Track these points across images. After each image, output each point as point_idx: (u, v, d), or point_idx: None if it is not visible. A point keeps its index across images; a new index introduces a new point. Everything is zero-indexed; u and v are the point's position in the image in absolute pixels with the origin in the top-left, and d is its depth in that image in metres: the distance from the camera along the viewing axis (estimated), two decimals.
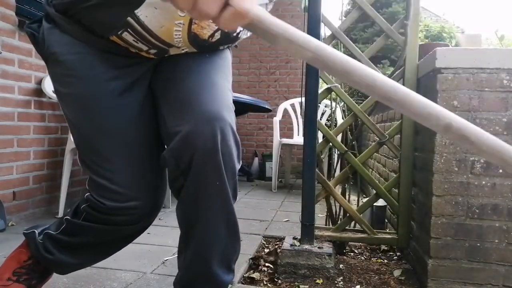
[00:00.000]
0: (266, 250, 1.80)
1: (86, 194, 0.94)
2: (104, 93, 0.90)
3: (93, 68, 0.89)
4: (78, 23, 0.87)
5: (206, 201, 0.88)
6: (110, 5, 0.80)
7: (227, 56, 1.05)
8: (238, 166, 0.90)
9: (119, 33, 0.83)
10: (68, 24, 0.88)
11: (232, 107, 0.92)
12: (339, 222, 1.71)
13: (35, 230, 1.05)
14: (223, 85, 0.94)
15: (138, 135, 0.94)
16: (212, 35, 0.87)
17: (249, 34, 0.95)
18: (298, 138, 3.80)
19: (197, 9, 0.44)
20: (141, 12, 0.78)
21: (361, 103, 1.64)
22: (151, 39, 0.84)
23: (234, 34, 0.92)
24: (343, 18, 1.79)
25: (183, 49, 0.90)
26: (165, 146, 0.93)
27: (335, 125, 2.34)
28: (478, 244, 1.31)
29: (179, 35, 0.83)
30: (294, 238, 1.59)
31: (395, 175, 1.63)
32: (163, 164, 0.90)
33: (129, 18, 0.79)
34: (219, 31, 0.87)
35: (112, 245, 1.04)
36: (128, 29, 0.82)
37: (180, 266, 0.96)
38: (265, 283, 1.44)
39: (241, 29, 0.88)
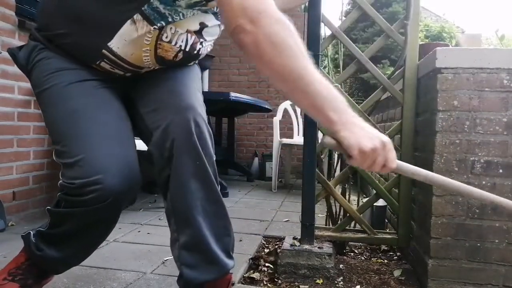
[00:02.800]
0: (266, 250, 1.80)
1: (59, 182, 0.97)
2: (83, 81, 0.99)
3: (76, 66, 0.99)
4: (63, 51, 0.99)
5: (191, 183, 0.96)
6: (86, 40, 0.94)
7: (196, 69, 1.18)
8: (214, 156, 1.01)
9: (97, 63, 0.98)
10: (54, 49, 1.00)
11: (203, 105, 1.05)
12: (339, 222, 1.71)
13: (31, 232, 1.08)
14: (193, 87, 1.07)
15: (107, 115, 0.99)
16: (176, 56, 1.00)
17: (208, 49, 1.10)
18: (298, 138, 3.79)
19: (372, 168, 0.76)
20: (113, 44, 0.94)
21: (361, 103, 1.64)
22: (124, 65, 0.98)
23: (195, 52, 1.04)
24: (343, 18, 1.79)
25: (154, 68, 1.03)
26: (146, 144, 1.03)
27: None
28: (478, 244, 1.31)
29: (148, 59, 0.98)
30: (294, 238, 1.59)
31: (395, 175, 1.63)
32: (148, 159, 0.99)
33: (103, 51, 0.95)
34: (181, 52, 1.00)
35: (94, 233, 1.03)
36: (105, 59, 0.97)
37: (178, 254, 1.00)
38: (265, 283, 1.44)
39: (201, 46, 1.03)
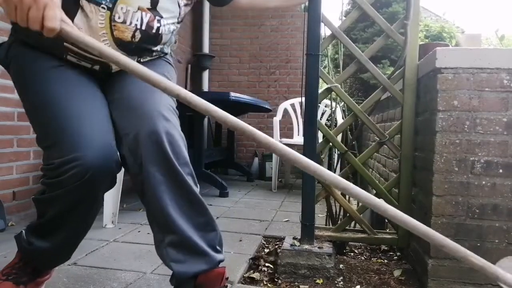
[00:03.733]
0: (266, 250, 1.80)
1: (40, 167, 0.99)
2: (58, 66, 1.02)
3: (50, 57, 1.02)
4: (36, 46, 1.02)
5: (163, 190, 0.98)
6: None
7: (165, 67, 1.19)
8: (187, 157, 1.02)
9: (64, 56, 1.00)
10: (28, 44, 1.03)
11: (172, 109, 1.06)
12: (339, 222, 1.71)
13: (23, 230, 1.10)
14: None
15: (84, 98, 1.00)
16: (133, 36, 1.01)
17: (171, 29, 1.09)
18: (298, 138, 3.79)
19: (28, 24, 0.73)
20: None
21: (361, 103, 1.64)
22: (88, 55, 0.99)
23: (154, 31, 1.04)
24: (343, 18, 1.79)
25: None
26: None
27: (335, 125, 2.34)
28: (478, 244, 1.31)
29: (107, 43, 0.99)
30: (294, 238, 1.59)
31: (395, 175, 1.63)
32: (123, 162, 1.01)
33: (65, 44, 0.96)
34: (138, 31, 1.00)
35: (77, 218, 1.02)
36: (69, 53, 0.99)
37: (166, 253, 1.01)
38: (265, 283, 1.44)
39: (159, 25, 1.03)
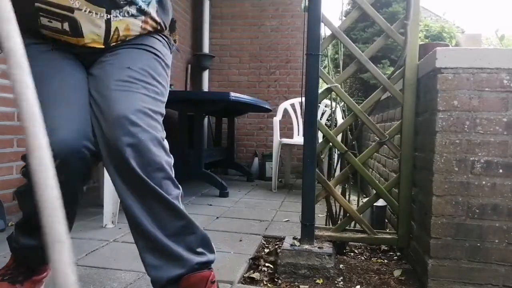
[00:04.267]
0: (266, 250, 1.80)
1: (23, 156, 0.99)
2: (45, 51, 1.02)
3: (33, 40, 1.01)
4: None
5: (129, 197, 0.96)
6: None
7: (156, 43, 1.11)
8: (165, 160, 0.97)
9: (39, 21, 0.97)
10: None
11: (146, 109, 0.97)
12: (339, 222, 1.71)
13: (13, 231, 1.11)
14: (137, 86, 1.01)
15: (60, 81, 0.99)
16: None
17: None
18: (298, 138, 3.80)
19: None
20: None
21: (361, 103, 1.64)
22: (56, 10, 0.96)
23: None
24: (343, 18, 1.79)
25: (87, 11, 0.97)
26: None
27: (335, 125, 2.34)
28: (478, 244, 1.31)
29: None
30: (294, 238, 1.59)
31: (395, 175, 1.63)
32: (99, 157, 1.00)
33: (36, 4, 0.94)
34: None
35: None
36: (40, 13, 0.96)
37: (143, 259, 1.00)
38: (265, 283, 1.44)
39: None
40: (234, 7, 4.76)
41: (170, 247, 0.97)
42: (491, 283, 1.31)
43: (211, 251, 1.08)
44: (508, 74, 1.30)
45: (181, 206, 1.02)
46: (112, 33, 1.01)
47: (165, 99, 1.08)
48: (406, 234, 1.59)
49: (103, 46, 1.02)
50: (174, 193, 1.00)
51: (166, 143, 1.01)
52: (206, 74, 4.75)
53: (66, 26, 0.99)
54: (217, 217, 2.43)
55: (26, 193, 1.00)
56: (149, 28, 1.09)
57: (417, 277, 1.49)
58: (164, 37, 1.16)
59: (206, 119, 4.48)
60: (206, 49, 4.68)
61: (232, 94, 2.91)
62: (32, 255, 1.09)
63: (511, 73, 1.29)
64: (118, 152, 0.92)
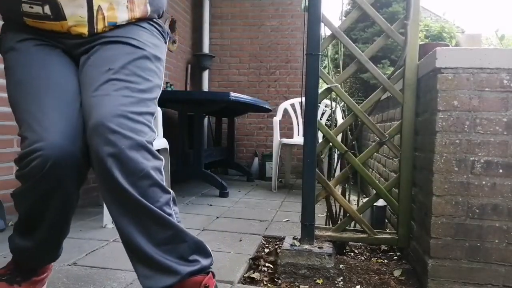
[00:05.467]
0: (266, 250, 1.80)
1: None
2: (37, 45, 1.00)
3: (25, 36, 1.00)
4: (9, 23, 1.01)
5: (114, 209, 0.93)
6: None
7: (142, 35, 1.04)
8: (151, 165, 0.92)
9: (22, 8, 0.94)
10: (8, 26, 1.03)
11: (129, 113, 0.91)
12: (339, 222, 1.71)
13: (13, 232, 1.11)
14: (118, 92, 0.94)
15: (51, 81, 0.97)
16: None
17: None
18: (298, 138, 3.80)
19: None
20: None
21: (361, 103, 1.64)
22: None
23: None
24: (343, 18, 1.79)
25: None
26: None
27: (335, 125, 2.34)
28: (478, 244, 1.31)
29: None
30: (294, 238, 1.59)
31: (395, 175, 1.63)
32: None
33: None
34: None
35: (51, 212, 1.00)
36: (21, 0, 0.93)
37: (135, 269, 0.98)
38: (265, 283, 1.44)
39: None
40: (234, 7, 4.76)
41: (160, 259, 0.94)
42: (491, 283, 1.31)
43: (207, 255, 1.05)
44: (508, 74, 1.30)
45: (172, 212, 0.97)
46: (95, 13, 0.96)
47: (156, 94, 1.03)
48: (406, 234, 1.59)
49: (87, 33, 0.97)
50: (163, 199, 0.95)
51: (152, 146, 0.95)
52: (206, 74, 4.75)
53: (47, 9, 0.94)
54: (217, 217, 2.43)
55: (20, 195, 0.99)
56: (136, 9, 1.02)
57: (417, 277, 1.49)
58: (155, 25, 1.09)
59: (206, 119, 4.49)
60: (206, 49, 4.68)
61: (232, 94, 2.91)
62: (29, 257, 1.08)
63: (511, 73, 1.29)
64: (100, 162, 0.88)
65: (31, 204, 0.99)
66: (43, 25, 0.97)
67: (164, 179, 0.97)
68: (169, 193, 0.98)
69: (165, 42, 1.13)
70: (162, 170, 0.97)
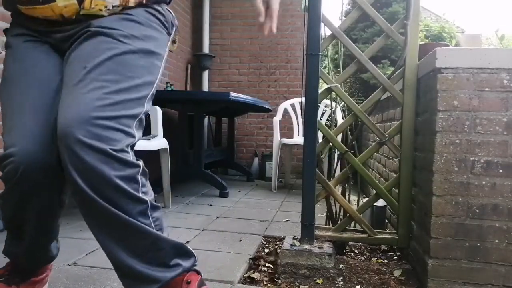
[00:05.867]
0: (266, 250, 1.80)
1: None
2: (23, 42, 0.98)
3: (21, 30, 0.99)
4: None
5: (88, 219, 0.91)
6: None
7: (129, 40, 0.93)
8: (120, 175, 0.85)
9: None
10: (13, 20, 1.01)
11: (91, 118, 0.82)
12: (339, 222, 1.71)
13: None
14: (89, 94, 0.86)
15: (30, 83, 0.95)
16: None
17: None
18: (298, 138, 3.79)
19: None
20: None
21: (361, 103, 1.64)
22: None
23: None
24: (343, 18, 1.79)
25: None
26: None
27: (335, 125, 2.34)
28: (478, 244, 1.31)
29: None
30: (294, 238, 1.59)
31: (395, 175, 1.63)
32: None
33: None
34: None
35: (31, 215, 0.99)
36: None
37: (119, 277, 0.97)
38: (265, 283, 1.44)
39: None
40: (234, 7, 4.76)
41: (139, 269, 0.92)
42: (491, 283, 1.31)
43: (188, 256, 1.01)
44: (508, 74, 1.30)
45: (149, 220, 0.92)
46: None
47: (146, 92, 0.93)
48: (406, 234, 1.59)
49: (75, 15, 0.91)
50: (137, 209, 0.89)
51: (128, 152, 0.87)
52: (206, 74, 4.75)
53: None
54: (217, 217, 2.43)
55: (3, 197, 0.98)
56: None
57: (417, 277, 1.49)
58: (155, 13, 0.99)
59: (206, 119, 4.49)
60: (206, 49, 4.68)
61: (232, 94, 2.91)
62: (19, 258, 1.08)
63: (511, 73, 1.29)
64: (67, 174, 0.84)
65: (11, 206, 0.98)
66: (35, 12, 0.92)
67: (141, 186, 0.90)
68: (146, 202, 0.91)
69: (168, 34, 1.03)
70: (138, 177, 0.89)
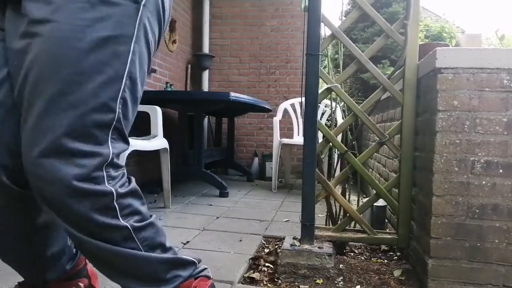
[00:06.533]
0: (266, 250, 1.80)
1: None
2: None
3: None
4: None
5: (74, 242, 0.88)
6: None
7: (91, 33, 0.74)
8: (88, 206, 0.78)
9: None
10: None
11: (45, 148, 0.73)
12: (339, 222, 1.71)
13: None
14: (41, 119, 0.74)
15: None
16: None
17: None
18: (298, 138, 3.79)
19: None
20: None
21: (361, 103, 1.64)
22: None
23: None
24: (343, 18, 1.79)
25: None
26: None
27: (335, 125, 2.34)
28: (478, 244, 1.31)
29: None
30: (294, 238, 1.59)
31: (395, 175, 1.63)
32: None
33: None
34: None
35: (8, 240, 0.96)
36: None
37: None
38: (265, 283, 1.44)
39: None
40: (234, 7, 4.76)
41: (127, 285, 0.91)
42: (491, 283, 1.31)
43: (187, 265, 0.99)
44: (508, 74, 1.30)
45: (135, 244, 0.87)
46: None
47: (113, 90, 0.78)
48: (406, 234, 1.59)
49: None
50: (119, 236, 0.84)
51: (102, 170, 0.79)
52: (206, 74, 4.75)
53: None
54: (217, 217, 2.43)
55: None
56: None
57: (417, 277, 1.49)
58: None
59: (206, 119, 4.49)
60: (206, 49, 4.68)
61: (232, 94, 2.91)
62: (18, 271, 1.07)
63: (511, 73, 1.29)
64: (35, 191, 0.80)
65: (4, 224, 0.95)
66: None
67: (120, 210, 0.83)
68: (126, 227, 0.84)
69: (134, 1, 0.78)
70: (114, 204, 0.82)
